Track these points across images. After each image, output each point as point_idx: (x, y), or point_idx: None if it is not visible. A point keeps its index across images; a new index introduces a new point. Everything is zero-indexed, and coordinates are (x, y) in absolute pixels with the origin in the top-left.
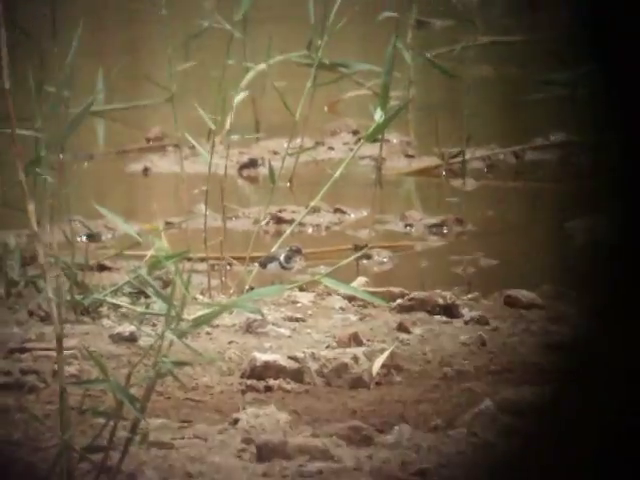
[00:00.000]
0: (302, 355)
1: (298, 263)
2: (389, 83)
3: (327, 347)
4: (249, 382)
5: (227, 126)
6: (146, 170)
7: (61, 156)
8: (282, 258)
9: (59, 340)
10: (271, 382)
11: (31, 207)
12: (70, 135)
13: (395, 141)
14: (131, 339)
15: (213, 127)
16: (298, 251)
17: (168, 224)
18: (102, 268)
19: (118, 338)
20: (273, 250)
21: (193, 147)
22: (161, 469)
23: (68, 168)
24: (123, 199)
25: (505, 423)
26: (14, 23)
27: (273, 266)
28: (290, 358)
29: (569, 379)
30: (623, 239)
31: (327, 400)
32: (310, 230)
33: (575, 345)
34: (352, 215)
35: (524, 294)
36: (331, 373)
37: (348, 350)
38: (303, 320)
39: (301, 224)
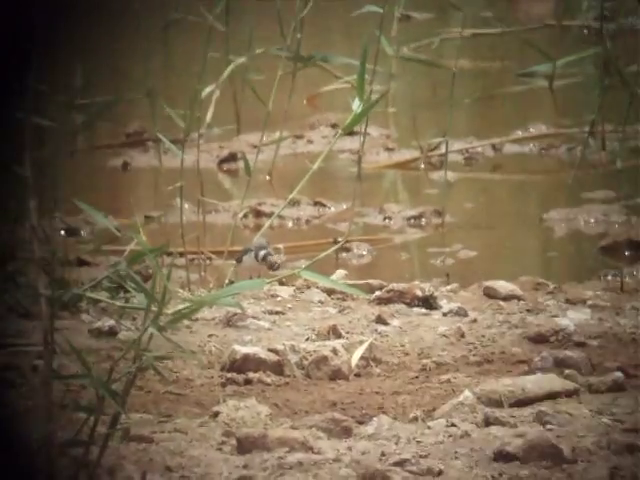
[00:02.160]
0: (282, 348)
1: (274, 257)
2: (364, 73)
3: (307, 340)
4: (229, 375)
5: (208, 119)
6: (125, 165)
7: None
8: (258, 253)
9: (47, 335)
10: (251, 375)
11: (33, 203)
12: (80, 134)
13: (375, 134)
14: (110, 333)
15: (182, 124)
16: (263, 247)
17: (148, 218)
18: (81, 263)
19: (97, 333)
20: (254, 241)
21: (172, 141)
22: (141, 463)
23: (49, 163)
24: (103, 194)
25: (484, 414)
26: None
27: (249, 259)
28: (270, 351)
29: (549, 370)
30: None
31: (307, 392)
32: (290, 223)
33: (554, 336)
34: (332, 208)
35: (503, 285)
36: (311, 365)
37: (327, 342)
38: (283, 313)
39: (281, 217)
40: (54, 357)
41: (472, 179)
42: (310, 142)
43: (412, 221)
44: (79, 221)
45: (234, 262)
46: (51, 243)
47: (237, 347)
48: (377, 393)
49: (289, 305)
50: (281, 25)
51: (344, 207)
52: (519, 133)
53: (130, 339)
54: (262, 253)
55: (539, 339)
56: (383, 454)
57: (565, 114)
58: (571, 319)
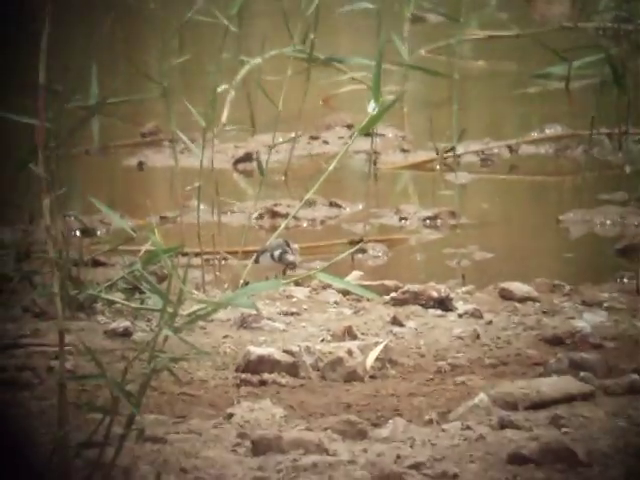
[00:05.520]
0: (297, 349)
1: (291, 256)
2: (380, 75)
3: (322, 341)
4: (244, 376)
5: (223, 119)
6: (141, 165)
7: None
8: (274, 252)
9: (61, 335)
10: (266, 376)
11: (46, 202)
12: (80, 130)
13: (390, 135)
14: (125, 334)
15: (203, 123)
16: (286, 245)
17: (163, 219)
18: (96, 263)
19: (113, 334)
20: (268, 244)
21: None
22: (155, 464)
23: (64, 163)
24: (118, 194)
25: (500, 416)
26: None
27: (265, 259)
28: (285, 352)
29: (565, 372)
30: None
31: (322, 394)
32: (305, 224)
33: (570, 338)
34: (347, 209)
35: (519, 287)
36: (326, 367)
37: (343, 344)
38: (298, 314)
39: (296, 218)
40: (70, 358)
41: (488, 180)
42: (326, 143)
43: (428, 222)
44: (95, 221)
45: (251, 262)
46: (67, 243)
47: (252, 348)
48: (392, 395)
49: (304, 306)
50: (288, 25)
51: (359, 208)
52: (535, 134)
53: (145, 340)
54: (277, 252)
55: (555, 341)
56: (398, 457)
57: (581, 115)
58: (587, 321)
